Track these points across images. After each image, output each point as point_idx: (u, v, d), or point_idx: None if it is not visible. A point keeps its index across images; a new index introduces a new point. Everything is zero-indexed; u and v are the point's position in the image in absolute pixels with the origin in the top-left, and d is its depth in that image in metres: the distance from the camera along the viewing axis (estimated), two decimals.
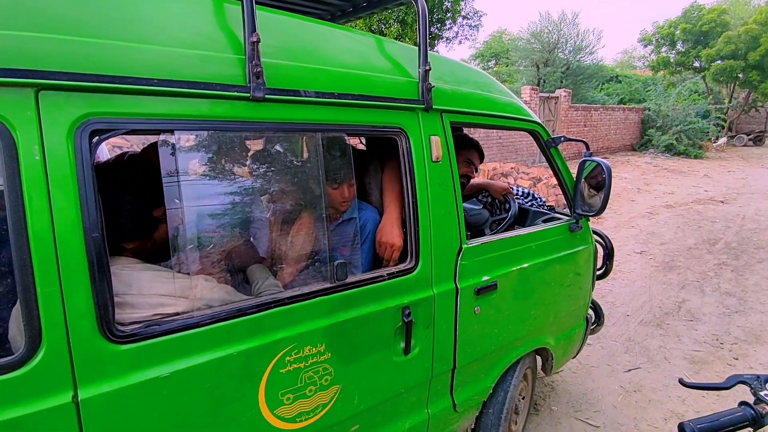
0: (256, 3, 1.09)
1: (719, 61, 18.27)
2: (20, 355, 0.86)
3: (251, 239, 1.59)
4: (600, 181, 2.02)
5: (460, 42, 15.79)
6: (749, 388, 1.03)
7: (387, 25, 11.01)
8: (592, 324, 2.59)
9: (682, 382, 1.15)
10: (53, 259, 0.87)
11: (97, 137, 0.93)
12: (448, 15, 12.83)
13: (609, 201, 1.99)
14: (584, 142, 2.09)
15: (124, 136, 1.10)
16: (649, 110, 16.64)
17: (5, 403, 0.85)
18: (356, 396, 1.38)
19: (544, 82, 17.76)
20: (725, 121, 19.32)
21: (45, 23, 0.87)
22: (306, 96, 1.19)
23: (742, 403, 1.00)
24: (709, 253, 5.59)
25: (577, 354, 2.54)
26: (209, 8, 1.16)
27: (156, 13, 1.03)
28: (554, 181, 7.76)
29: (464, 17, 13.74)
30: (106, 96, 0.93)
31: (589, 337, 2.58)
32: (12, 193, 0.83)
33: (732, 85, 19.89)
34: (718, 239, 6.16)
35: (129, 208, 1.18)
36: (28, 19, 0.85)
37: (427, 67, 1.44)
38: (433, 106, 1.49)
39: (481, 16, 14.11)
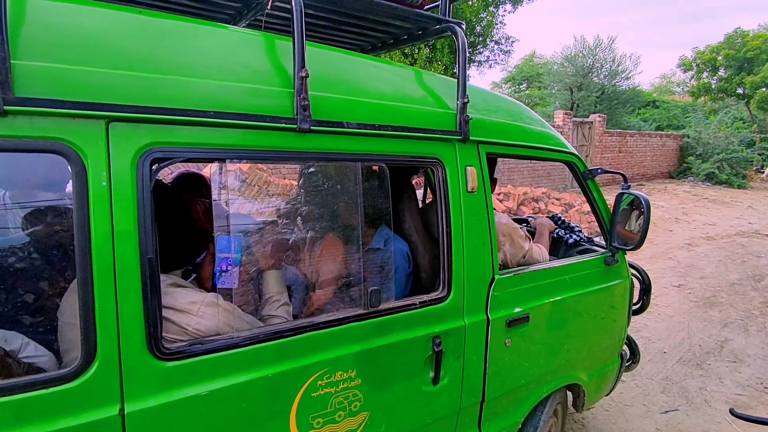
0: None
1: (764, 89, 17.58)
2: (75, 368, 0.91)
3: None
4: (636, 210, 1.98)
5: (491, 66, 15.85)
6: None
7: (418, 49, 11.23)
8: (627, 361, 2.48)
9: (733, 413, 1.12)
10: (112, 277, 0.93)
11: (157, 165, 1.00)
12: (480, 39, 12.96)
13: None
14: (622, 175, 2.06)
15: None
16: (689, 137, 16.10)
17: (56, 414, 0.89)
18: (384, 424, 1.38)
19: (578, 106, 17.52)
20: None
21: (116, 59, 0.95)
22: (348, 127, 1.23)
23: None
24: (755, 290, 5.29)
25: (610, 392, 2.44)
26: (260, 44, 1.24)
27: (212, 49, 1.11)
28: (586, 207, 7.58)
29: (496, 42, 13.85)
30: (167, 127, 1.00)
31: (623, 374, 2.48)
32: (80, 215, 0.90)
33: None
34: (764, 275, 5.82)
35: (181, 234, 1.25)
36: (101, 56, 0.94)
37: (466, 100, 1.47)
38: (470, 137, 1.52)
39: (513, 41, 14.19)
